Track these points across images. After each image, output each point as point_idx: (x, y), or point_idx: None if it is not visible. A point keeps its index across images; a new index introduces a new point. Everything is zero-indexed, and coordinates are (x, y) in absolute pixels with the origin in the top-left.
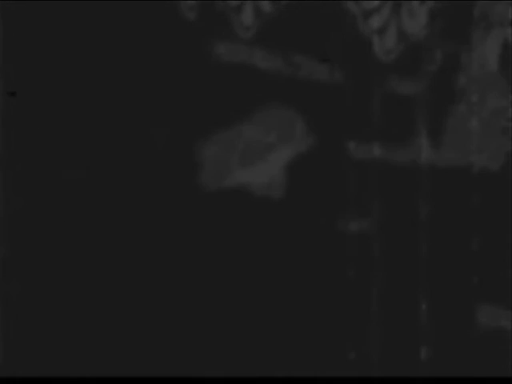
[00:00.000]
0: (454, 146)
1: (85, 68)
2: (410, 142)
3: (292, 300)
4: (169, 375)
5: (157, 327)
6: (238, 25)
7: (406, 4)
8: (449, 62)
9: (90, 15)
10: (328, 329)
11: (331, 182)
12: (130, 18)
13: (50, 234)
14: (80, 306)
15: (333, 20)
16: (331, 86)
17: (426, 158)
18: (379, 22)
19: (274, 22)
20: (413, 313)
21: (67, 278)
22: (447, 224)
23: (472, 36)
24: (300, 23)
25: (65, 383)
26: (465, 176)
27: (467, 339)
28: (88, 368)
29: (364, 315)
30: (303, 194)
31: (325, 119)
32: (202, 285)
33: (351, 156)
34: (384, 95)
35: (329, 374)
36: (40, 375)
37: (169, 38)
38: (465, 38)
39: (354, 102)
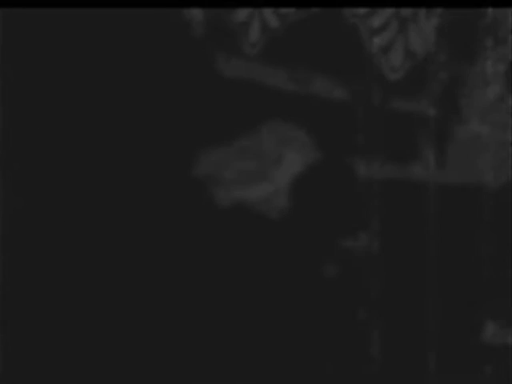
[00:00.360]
0: (458, 165)
1: (90, 79)
2: (415, 160)
3: (289, 314)
4: (167, 381)
5: (155, 333)
6: (244, 41)
7: (413, 21)
8: (455, 80)
9: (95, 27)
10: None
11: (335, 199)
12: (136, 33)
13: (48, 240)
14: (80, 310)
15: (339, 37)
16: (337, 103)
17: (431, 176)
18: (385, 40)
19: (280, 38)
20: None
21: (66, 281)
22: (454, 240)
23: (478, 54)
24: (306, 39)
25: None
26: (469, 192)
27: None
28: (87, 375)
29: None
30: (307, 212)
31: (330, 136)
32: (201, 294)
33: (356, 173)
34: (390, 113)
35: None
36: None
37: (176, 53)
38: (471, 55)
39: (360, 120)
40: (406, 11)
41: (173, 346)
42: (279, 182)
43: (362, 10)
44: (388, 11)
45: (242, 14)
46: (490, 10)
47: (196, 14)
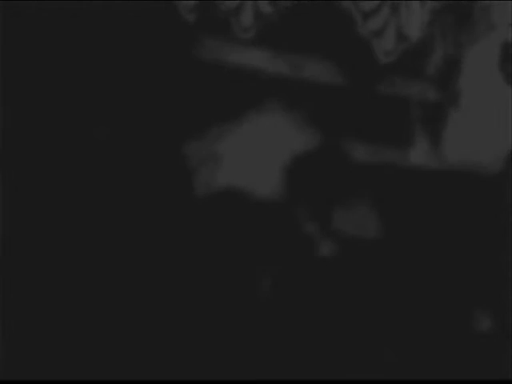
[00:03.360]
0: (453, 148)
1: (82, 70)
2: (409, 144)
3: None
4: (166, 378)
5: (153, 329)
6: (237, 26)
7: (405, 5)
8: (448, 63)
9: (87, 14)
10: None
11: (331, 183)
12: (128, 20)
13: (46, 237)
14: (78, 309)
15: (332, 21)
16: (331, 88)
17: (424, 160)
18: (378, 24)
19: (273, 24)
20: None
21: (64, 281)
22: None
23: (471, 37)
24: (300, 24)
25: None
26: (464, 178)
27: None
28: (87, 371)
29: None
30: (302, 196)
31: (324, 120)
32: (198, 288)
33: (351, 157)
34: (383, 96)
35: None
36: (40, 379)
37: (168, 39)
38: (464, 38)
39: (354, 103)
40: None
41: (170, 341)
42: (275, 166)
43: None
44: None
45: None
46: None
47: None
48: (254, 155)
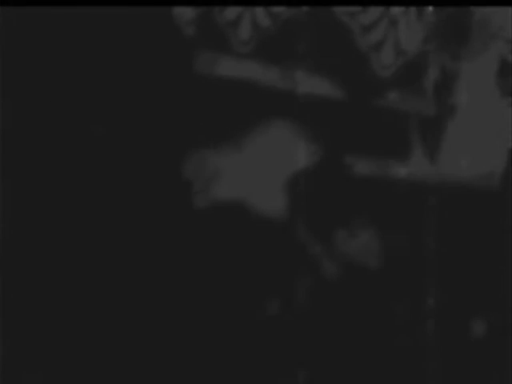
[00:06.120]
0: (450, 162)
1: (81, 75)
2: (407, 158)
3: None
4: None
5: (153, 331)
6: (235, 39)
7: (404, 19)
8: (446, 77)
9: (87, 24)
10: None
11: (331, 197)
12: (127, 32)
13: (46, 244)
14: (78, 309)
15: (330, 35)
16: (329, 101)
17: (422, 174)
18: (376, 38)
19: (272, 37)
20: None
21: (64, 282)
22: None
23: (469, 50)
24: (298, 38)
25: None
26: (460, 192)
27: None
28: (87, 371)
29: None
30: (304, 209)
31: (323, 134)
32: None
33: (350, 171)
34: (381, 110)
35: None
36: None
37: (165, 52)
38: (462, 52)
39: (352, 117)
40: (396, 9)
41: (168, 347)
42: (276, 181)
43: (352, 8)
44: (378, 9)
45: (232, 12)
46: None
47: (185, 12)
48: (251, 169)
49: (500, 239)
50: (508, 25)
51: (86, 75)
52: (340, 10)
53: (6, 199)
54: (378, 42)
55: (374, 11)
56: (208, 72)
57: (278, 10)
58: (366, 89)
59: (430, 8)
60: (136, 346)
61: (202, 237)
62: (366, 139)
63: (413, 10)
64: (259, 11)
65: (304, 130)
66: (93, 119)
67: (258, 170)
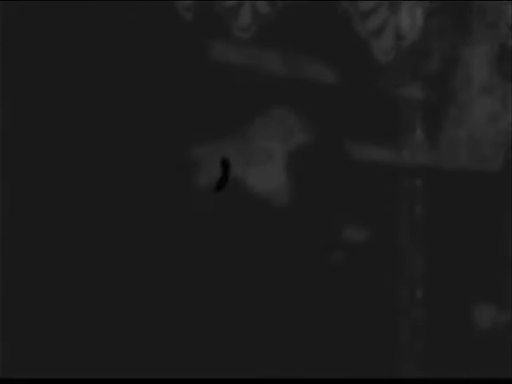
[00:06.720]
0: (450, 147)
1: (82, 68)
2: (405, 142)
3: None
4: (166, 376)
5: (154, 326)
6: (235, 26)
7: (404, 5)
8: (446, 62)
9: (86, 12)
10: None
11: (330, 182)
12: (126, 19)
13: (47, 237)
14: (78, 309)
15: (330, 21)
16: (329, 87)
17: (421, 159)
18: (376, 23)
19: (271, 23)
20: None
21: (64, 280)
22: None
23: (469, 36)
24: (298, 24)
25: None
26: (460, 177)
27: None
28: (86, 369)
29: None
30: (301, 195)
31: (323, 119)
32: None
33: (349, 156)
34: (381, 96)
35: None
36: (39, 376)
37: (165, 38)
38: (461, 38)
39: (351, 103)
40: None
41: (170, 339)
42: (274, 166)
43: None
44: None
45: None
46: None
47: None
48: (254, 153)
49: (502, 224)
50: (506, 10)
51: (87, 68)
52: None
53: (5, 199)
54: (377, 27)
55: None
56: (207, 58)
57: None
58: (365, 74)
59: None
60: (142, 335)
61: (203, 217)
62: (365, 124)
63: None
64: None
65: (303, 115)
66: (94, 113)
67: (257, 155)
